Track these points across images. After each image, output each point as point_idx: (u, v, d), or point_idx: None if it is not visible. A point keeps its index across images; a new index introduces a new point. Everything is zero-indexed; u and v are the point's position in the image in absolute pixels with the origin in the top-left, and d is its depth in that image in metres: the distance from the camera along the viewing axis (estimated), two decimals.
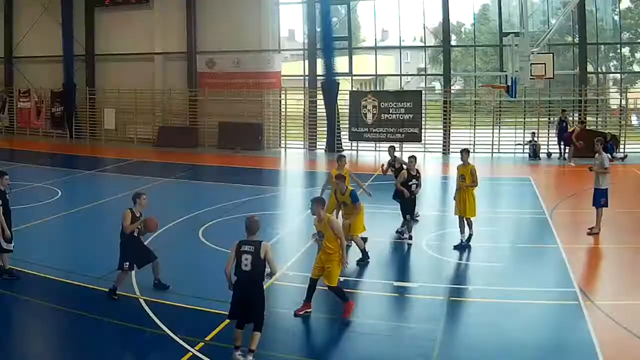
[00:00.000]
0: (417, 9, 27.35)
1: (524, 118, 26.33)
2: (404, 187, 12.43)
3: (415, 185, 12.54)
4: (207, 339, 7.99)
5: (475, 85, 29.47)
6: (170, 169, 22.19)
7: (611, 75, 29.86)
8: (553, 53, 19.69)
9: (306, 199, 17.68)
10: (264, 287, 7.39)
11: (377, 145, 26.59)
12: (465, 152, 12.48)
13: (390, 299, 9.73)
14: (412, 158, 12.72)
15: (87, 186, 19.87)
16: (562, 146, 23.75)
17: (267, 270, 7.34)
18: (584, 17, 24.97)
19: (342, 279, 10.49)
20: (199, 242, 12.58)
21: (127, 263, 9.37)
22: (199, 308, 9.03)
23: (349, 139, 27.03)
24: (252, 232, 7.39)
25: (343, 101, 27.01)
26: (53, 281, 10.13)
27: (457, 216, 12.34)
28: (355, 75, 29.40)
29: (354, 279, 10.71)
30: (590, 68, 26.45)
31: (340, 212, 11.71)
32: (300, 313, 8.88)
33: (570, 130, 23.00)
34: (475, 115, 27.21)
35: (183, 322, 8.60)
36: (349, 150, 27.18)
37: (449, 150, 26.21)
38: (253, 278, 7.18)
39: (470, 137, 26.16)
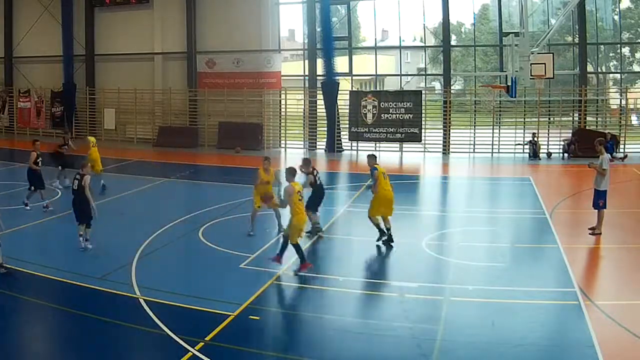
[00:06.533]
0: (417, 9, 27.40)
1: (524, 118, 26.34)
2: None
3: None
4: (207, 339, 7.98)
5: (475, 85, 29.45)
6: (170, 169, 22.16)
7: (611, 75, 29.87)
8: (553, 53, 19.65)
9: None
10: (89, 201, 11.59)
11: (377, 145, 26.59)
12: (371, 157, 12.86)
13: (390, 299, 9.73)
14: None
15: None
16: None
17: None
18: (584, 17, 24.99)
19: (341, 279, 10.55)
20: (199, 242, 12.57)
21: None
22: (199, 308, 9.01)
23: (349, 139, 27.02)
24: (82, 168, 11.94)
25: (343, 101, 27.01)
26: (53, 281, 10.12)
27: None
28: (355, 75, 29.39)
29: (355, 278, 10.71)
30: (590, 68, 26.47)
31: None
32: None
33: None
34: (475, 115, 27.21)
35: (183, 322, 8.59)
36: (349, 150, 27.19)
37: (448, 150, 26.21)
38: (78, 193, 11.69)
39: (470, 137, 26.18)
